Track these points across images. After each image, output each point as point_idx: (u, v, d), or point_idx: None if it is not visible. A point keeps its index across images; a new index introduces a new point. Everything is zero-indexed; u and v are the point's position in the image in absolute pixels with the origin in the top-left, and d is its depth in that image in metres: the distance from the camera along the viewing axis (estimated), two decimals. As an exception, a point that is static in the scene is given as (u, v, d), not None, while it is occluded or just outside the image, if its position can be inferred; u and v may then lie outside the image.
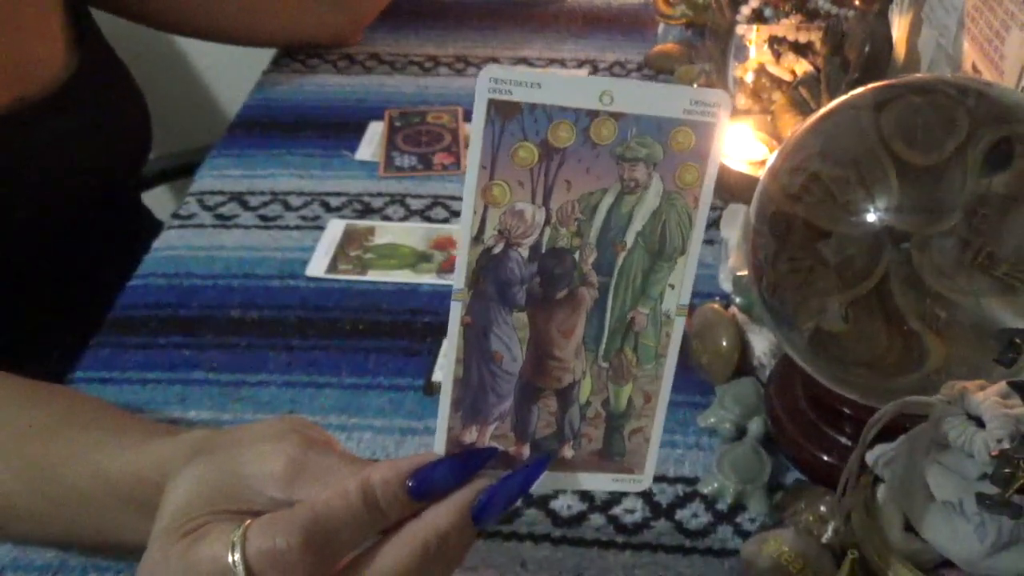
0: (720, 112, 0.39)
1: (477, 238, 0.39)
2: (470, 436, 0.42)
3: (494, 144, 0.38)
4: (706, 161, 0.39)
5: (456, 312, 0.40)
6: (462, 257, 0.39)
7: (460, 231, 0.39)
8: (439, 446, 0.42)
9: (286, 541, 0.39)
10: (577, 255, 0.40)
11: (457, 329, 0.40)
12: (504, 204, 0.39)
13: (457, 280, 0.40)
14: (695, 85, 0.98)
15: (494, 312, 0.41)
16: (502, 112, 0.37)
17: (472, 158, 0.38)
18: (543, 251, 0.40)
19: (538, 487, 0.43)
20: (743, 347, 0.67)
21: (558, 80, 0.38)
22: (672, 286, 0.41)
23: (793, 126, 0.80)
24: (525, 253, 0.40)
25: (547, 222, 0.40)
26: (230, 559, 0.39)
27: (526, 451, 0.43)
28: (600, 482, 0.44)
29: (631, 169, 0.39)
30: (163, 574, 0.40)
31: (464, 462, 0.42)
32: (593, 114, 0.38)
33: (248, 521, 0.40)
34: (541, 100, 0.37)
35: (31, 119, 0.84)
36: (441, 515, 0.40)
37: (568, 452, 0.44)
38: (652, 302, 0.42)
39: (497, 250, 0.40)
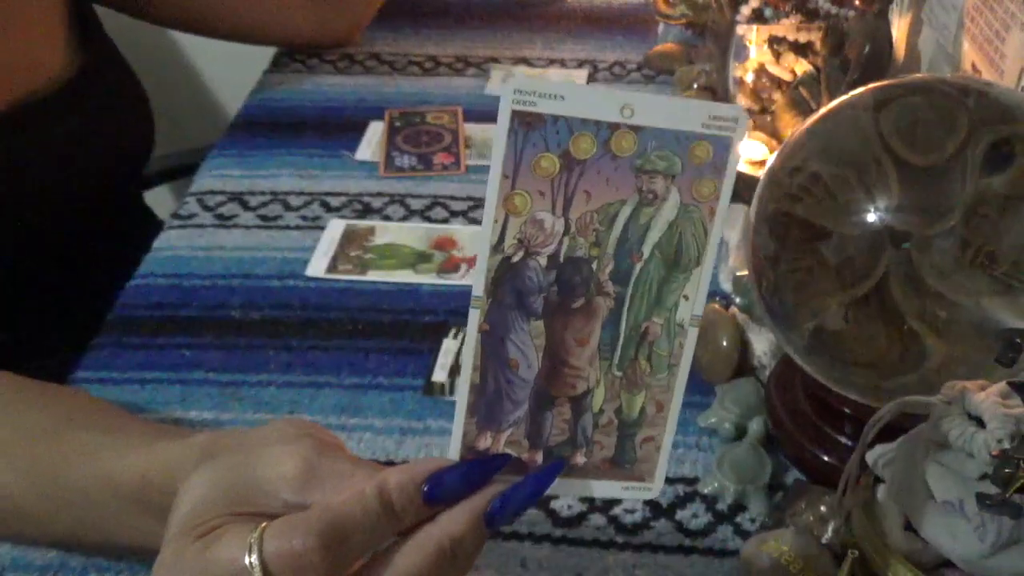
0: (737, 127, 0.39)
1: (497, 246, 0.39)
2: (485, 442, 0.42)
3: (516, 154, 0.38)
4: (723, 174, 0.40)
5: (474, 319, 0.40)
6: (481, 265, 0.40)
7: (480, 239, 0.39)
8: (454, 452, 0.42)
9: (303, 543, 0.39)
10: (595, 265, 0.41)
11: (475, 336, 0.41)
12: (525, 213, 0.39)
13: (476, 287, 0.40)
14: (695, 85, 0.98)
15: (512, 320, 0.41)
16: (525, 123, 0.38)
17: (494, 167, 0.38)
18: (561, 260, 0.40)
19: (549, 493, 0.43)
20: (743, 347, 0.67)
21: (580, 92, 0.38)
22: (686, 297, 0.42)
23: (793, 126, 0.80)
24: (544, 262, 0.40)
25: (566, 232, 0.40)
26: (247, 560, 0.39)
27: (539, 458, 0.43)
28: (611, 489, 0.45)
29: (650, 181, 0.40)
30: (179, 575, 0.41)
31: (478, 468, 0.42)
32: (614, 127, 0.38)
33: (264, 523, 0.40)
34: (563, 112, 0.38)
35: (36, 119, 0.84)
36: (455, 520, 0.41)
37: (580, 459, 0.44)
38: (666, 312, 0.42)
39: (516, 259, 0.40)
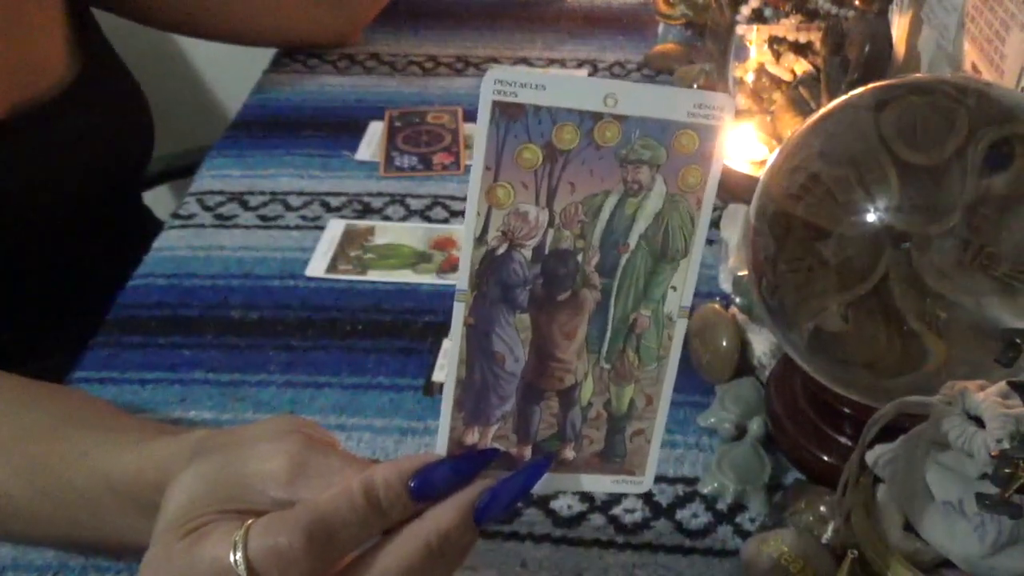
0: (723, 115, 0.39)
1: (480, 239, 0.39)
2: (472, 437, 0.42)
3: (498, 145, 0.38)
4: (709, 164, 0.40)
5: (459, 313, 0.40)
6: (465, 258, 0.39)
7: (464, 232, 0.39)
8: (441, 447, 0.42)
9: (288, 540, 0.39)
10: (580, 257, 0.40)
11: (460, 330, 0.40)
12: (508, 205, 0.39)
13: (460, 281, 0.40)
14: (695, 85, 0.98)
15: (497, 313, 0.41)
16: (506, 114, 0.37)
17: (476, 159, 0.38)
18: (546, 252, 0.40)
19: (539, 488, 0.43)
20: (743, 347, 0.67)
21: (562, 82, 0.38)
22: (674, 288, 0.41)
23: (793, 126, 0.80)
24: (528, 254, 0.40)
25: (550, 224, 0.40)
26: (232, 558, 0.39)
27: (528, 452, 0.43)
28: (601, 484, 0.44)
29: (634, 171, 0.39)
30: (165, 573, 0.41)
31: (466, 463, 0.42)
32: (597, 116, 0.38)
33: (250, 520, 0.40)
34: (545, 102, 0.38)
35: (36, 121, 0.84)
36: (443, 515, 0.40)
37: (569, 453, 0.44)
38: (654, 304, 0.42)
39: (500, 251, 0.40)
